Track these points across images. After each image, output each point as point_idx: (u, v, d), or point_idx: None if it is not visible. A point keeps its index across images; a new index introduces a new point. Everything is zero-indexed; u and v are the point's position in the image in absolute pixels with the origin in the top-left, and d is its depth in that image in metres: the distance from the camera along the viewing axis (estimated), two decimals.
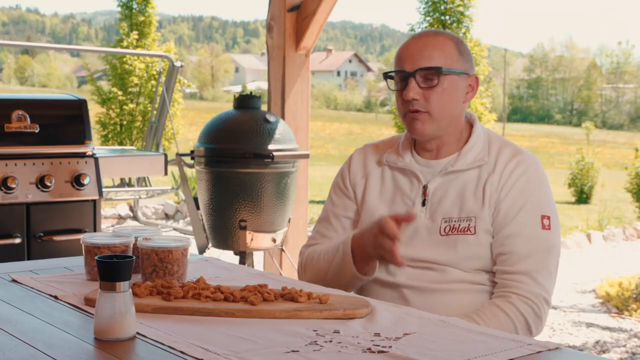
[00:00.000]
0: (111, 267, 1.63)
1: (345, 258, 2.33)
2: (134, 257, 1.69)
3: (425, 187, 2.36)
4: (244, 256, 4.78)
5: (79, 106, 4.03)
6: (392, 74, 2.37)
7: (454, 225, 2.30)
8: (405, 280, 2.34)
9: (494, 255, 2.29)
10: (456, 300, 2.28)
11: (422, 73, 2.29)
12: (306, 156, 4.90)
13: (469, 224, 2.29)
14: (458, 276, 2.30)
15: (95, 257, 1.68)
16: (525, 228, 2.27)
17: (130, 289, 1.66)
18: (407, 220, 2.22)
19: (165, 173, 4.96)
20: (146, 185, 9.29)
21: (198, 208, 4.96)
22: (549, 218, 2.29)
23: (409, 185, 2.40)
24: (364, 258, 2.29)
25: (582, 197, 14.03)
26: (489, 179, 2.31)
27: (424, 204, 2.35)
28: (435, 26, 13.27)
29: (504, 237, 2.27)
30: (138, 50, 14.30)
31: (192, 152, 4.87)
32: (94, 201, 4.00)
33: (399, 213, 2.27)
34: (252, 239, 4.66)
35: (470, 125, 2.44)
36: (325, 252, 2.43)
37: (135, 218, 10.46)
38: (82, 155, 3.98)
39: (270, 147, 4.59)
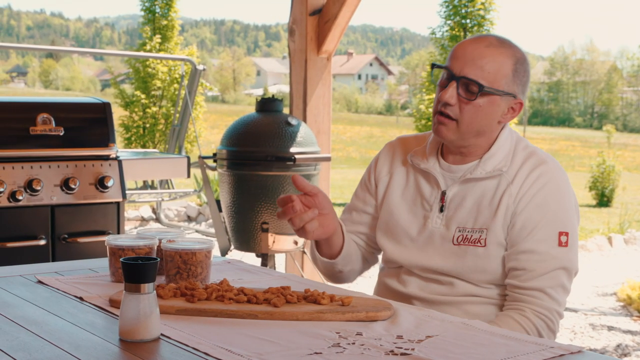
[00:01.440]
0: (136, 269, 1.64)
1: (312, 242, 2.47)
2: (159, 259, 1.70)
3: (444, 194, 2.32)
4: (266, 258, 4.79)
5: (103, 109, 4.05)
6: (442, 67, 2.29)
7: (466, 235, 2.25)
8: (416, 291, 2.32)
9: (506, 269, 2.24)
10: (464, 313, 2.25)
11: (465, 81, 2.21)
12: (328, 159, 4.90)
13: (480, 236, 2.24)
14: (466, 289, 2.27)
15: (120, 259, 1.68)
16: (542, 245, 2.20)
17: (155, 291, 1.67)
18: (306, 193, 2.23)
19: (188, 175, 4.97)
20: (169, 188, 9.31)
21: (220, 210, 4.97)
22: (567, 234, 2.21)
23: (429, 190, 2.36)
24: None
25: (603, 200, 13.95)
26: (507, 190, 2.24)
27: (441, 210, 2.31)
28: (456, 30, 13.25)
29: (518, 252, 2.21)
30: (161, 54, 14.35)
31: (214, 154, 4.88)
32: (118, 203, 4.01)
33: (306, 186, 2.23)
34: (274, 241, 4.67)
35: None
36: None
37: (157, 220, 10.48)
38: (106, 158, 4.00)
39: (292, 150, 4.59)
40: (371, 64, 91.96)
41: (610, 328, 6.18)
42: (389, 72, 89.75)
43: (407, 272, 2.37)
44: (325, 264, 2.45)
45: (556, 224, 2.21)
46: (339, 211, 11.16)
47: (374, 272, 7.94)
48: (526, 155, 2.30)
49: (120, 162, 4.04)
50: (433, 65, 2.35)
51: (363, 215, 2.52)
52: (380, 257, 2.59)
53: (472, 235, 2.25)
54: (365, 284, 7.32)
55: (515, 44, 2.28)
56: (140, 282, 1.64)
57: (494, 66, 2.21)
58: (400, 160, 2.46)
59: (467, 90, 2.22)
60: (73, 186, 3.85)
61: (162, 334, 1.68)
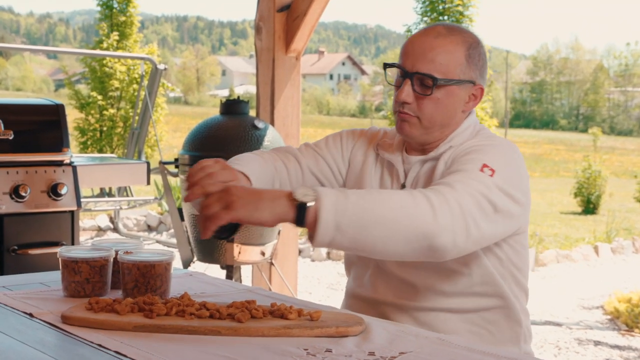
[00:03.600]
0: None
1: None
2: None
3: (403, 187, 2.37)
4: (231, 270, 4.78)
5: (56, 111, 4.03)
6: (394, 66, 2.36)
7: None
8: (389, 297, 2.35)
9: None
10: (436, 321, 2.28)
11: (419, 77, 2.28)
12: None
13: None
14: (437, 292, 2.29)
15: None
16: (463, 166, 2.15)
17: None
18: None
19: (148, 182, 4.95)
20: (127, 195, 9.28)
21: (182, 219, 4.96)
22: (492, 170, 2.13)
23: (389, 183, 2.42)
24: None
25: (589, 207, 14.06)
26: (445, 154, 2.30)
27: None
28: None
29: (443, 175, 2.20)
30: (119, 52, 14.30)
31: (176, 160, 4.87)
32: (72, 212, 3.99)
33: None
34: (239, 252, 4.66)
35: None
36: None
37: (115, 230, 10.44)
38: (60, 164, 3.98)
39: None
40: (343, 64, 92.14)
41: (596, 343, 6.22)
42: (363, 72, 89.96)
43: (376, 270, 2.39)
44: None
45: (481, 159, 2.17)
46: None
47: (345, 285, 7.94)
48: (482, 136, 2.34)
49: (74, 168, 4.02)
50: (385, 65, 2.42)
51: (322, 164, 2.52)
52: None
53: None
54: (336, 297, 7.33)
55: (465, 29, 2.36)
56: None
57: (446, 56, 2.27)
58: (373, 148, 2.49)
59: (422, 85, 2.28)
60: (24, 194, 3.82)
61: (118, 352, 1.67)
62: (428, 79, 2.26)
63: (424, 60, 2.27)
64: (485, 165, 2.14)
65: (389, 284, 2.37)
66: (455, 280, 2.29)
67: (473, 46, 2.31)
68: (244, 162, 2.36)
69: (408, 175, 2.38)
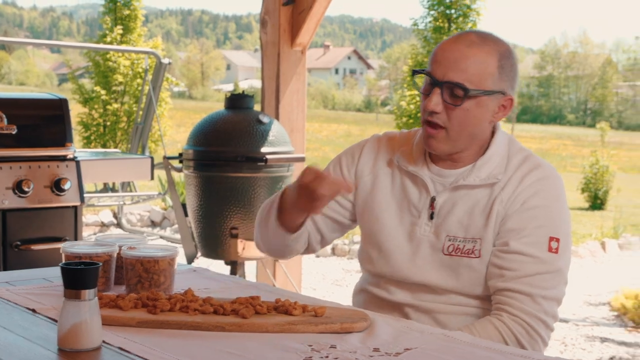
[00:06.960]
0: (76, 274, 1.65)
1: (273, 205, 2.37)
2: (100, 264, 1.71)
3: (433, 199, 2.33)
4: (235, 266, 4.79)
5: (60, 106, 4.03)
6: (423, 72, 2.32)
7: (457, 245, 2.27)
8: (407, 299, 2.33)
9: (489, 265, 2.24)
10: (462, 322, 2.27)
11: (449, 86, 2.22)
12: (302, 159, 4.90)
13: (474, 246, 2.25)
14: (461, 300, 2.29)
15: (60, 265, 1.69)
16: (530, 248, 2.20)
17: (96, 298, 1.67)
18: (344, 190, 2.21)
19: (152, 177, 4.97)
20: (131, 191, 9.28)
21: (186, 215, 4.97)
22: (557, 240, 2.22)
23: (417, 195, 2.36)
24: (289, 208, 2.32)
25: (596, 202, 14.03)
26: (499, 196, 2.26)
27: (431, 217, 2.32)
28: (440, 20, 13.30)
29: (505, 251, 2.21)
30: (123, 47, 14.31)
31: (180, 155, 4.87)
32: (75, 207, 4.00)
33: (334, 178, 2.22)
34: (244, 248, 4.66)
35: (493, 133, 2.37)
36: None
37: (119, 225, 10.44)
38: (63, 159, 3.98)
39: (264, 149, 4.59)
40: (349, 58, 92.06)
41: (603, 339, 6.22)
42: (369, 66, 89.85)
43: (395, 282, 2.37)
44: (278, 234, 2.41)
45: (547, 229, 2.23)
46: None
47: (350, 280, 7.95)
48: (521, 159, 2.32)
49: (78, 163, 4.02)
50: (414, 72, 2.38)
51: (333, 204, 2.48)
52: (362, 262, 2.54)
53: (464, 246, 2.26)
54: (341, 294, 7.33)
55: (498, 37, 2.31)
56: (80, 288, 1.64)
57: (478, 66, 2.22)
58: (386, 160, 2.45)
59: (452, 95, 2.23)
60: (26, 189, 3.83)
61: (121, 348, 1.68)
62: (459, 89, 2.21)
63: (455, 69, 2.22)
64: (551, 239, 2.22)
65: (408, 292, 2.35)
66: (478, 286, 2.28)
67: (505, 56, 2.27)
68: None
69: (439, 193, 2.32)
